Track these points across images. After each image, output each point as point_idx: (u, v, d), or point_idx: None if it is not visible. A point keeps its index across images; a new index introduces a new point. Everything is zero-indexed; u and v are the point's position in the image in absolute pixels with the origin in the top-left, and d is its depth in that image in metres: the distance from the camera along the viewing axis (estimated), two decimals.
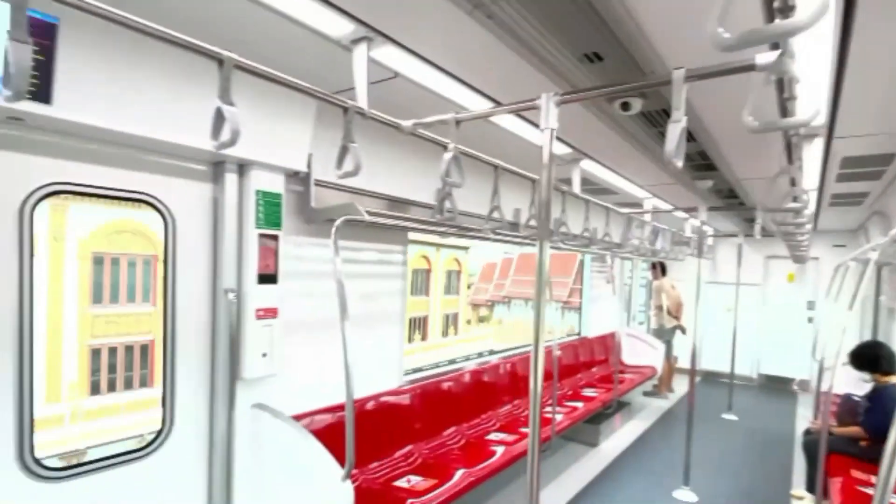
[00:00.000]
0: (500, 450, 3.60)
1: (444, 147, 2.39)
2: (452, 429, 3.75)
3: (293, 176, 2.49)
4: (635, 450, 5.12)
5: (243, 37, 1.89)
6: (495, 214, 2.85)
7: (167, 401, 2.20)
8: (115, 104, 1.74)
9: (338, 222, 2.27)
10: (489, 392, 4.31)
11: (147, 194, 2.05)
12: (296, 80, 1.77)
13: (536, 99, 1.65)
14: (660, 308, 7.25)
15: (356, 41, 1.94)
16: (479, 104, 2.50)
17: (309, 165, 2.47)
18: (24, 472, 1.78)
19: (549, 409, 4.14)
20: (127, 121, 1.79)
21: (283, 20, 1.76)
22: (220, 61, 1.54)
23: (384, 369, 3.29)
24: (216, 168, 2.27)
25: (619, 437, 5.47)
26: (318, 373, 2.80)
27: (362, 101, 2.01)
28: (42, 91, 1.57)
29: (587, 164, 3.79)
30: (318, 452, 2.21)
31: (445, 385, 3.79)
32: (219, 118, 1.57)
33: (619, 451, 5.04)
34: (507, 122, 2.92)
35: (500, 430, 4.04)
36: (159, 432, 2.19)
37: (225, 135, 1.57)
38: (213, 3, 1.70)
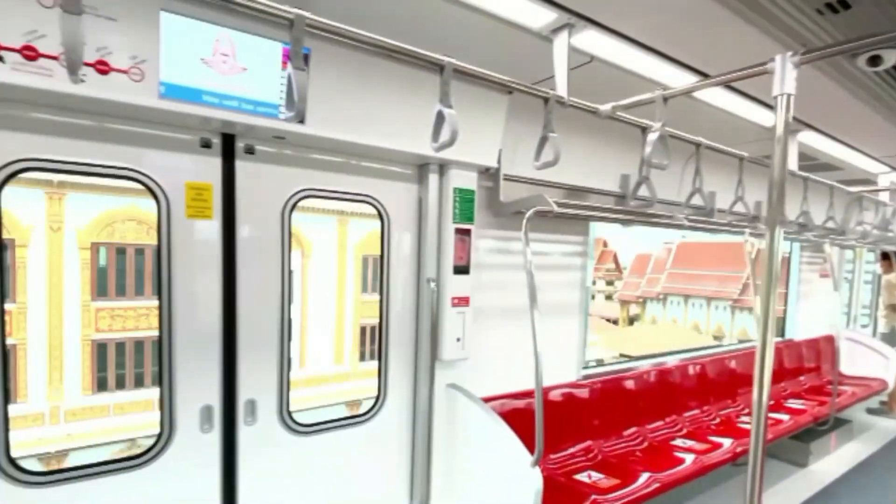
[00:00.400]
0: (688, 458, 3.30)
1: (643, 129, 2.25)
2: (633, 429, 3.55)
3: (484, 172, 2.60)
4: (855, 477, 4.21)
5: (441, 39, 2.00)
6: (696, 199, 2.58)
7: (382, 375, 2.51)
8: (346, 118, 2.01)
9: (529, 213, 2.30)
10: (674, 394, 3.97)
11: (370, 196, 2.35)
12: (501, 77, 1.84)
13: (766, 63, 1.44)
14: (894, 308, 5.81)
15: (557, 29, 1.92)
16: (680, 79, 2.28)
17: (499, 161, 2.54)
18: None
19: (744, 418, 3.65)
20: (354, 132, 2.06)
21: (480, 18, 1.82)
22: (442, 67, 1.67)
23: (563, 361, 3.26)
24: (421, 170, 2.48)
25: (834, 459, 4.56)
26: (502, 359, 2.90)
27: (562, 89, 1.98)
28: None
29: (807, 136, 3.19)
30: (508, 436, 2.29)
31: (626, 383, 3.60)
32: (439, 120, 1.71)
33: (834, 476, 4.21)
34: (710, 95, 2.61)
35: (686, 436, 3.70)
36: (376, 400, 2.51)
37: (444, 136, 1.70)
38: (410, 8, 1.82)
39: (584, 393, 3.35)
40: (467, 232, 2.53)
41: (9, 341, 1.80)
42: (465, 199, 2.49)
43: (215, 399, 2.01)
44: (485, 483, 2.45)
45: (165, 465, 1.91)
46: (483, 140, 2.43)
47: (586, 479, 2.94)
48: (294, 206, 2.15)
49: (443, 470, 2.66)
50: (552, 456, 3.12)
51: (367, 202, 2.36)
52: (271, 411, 2.16)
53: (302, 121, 1.91)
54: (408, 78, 2.06)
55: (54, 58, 1.45)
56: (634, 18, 1.87)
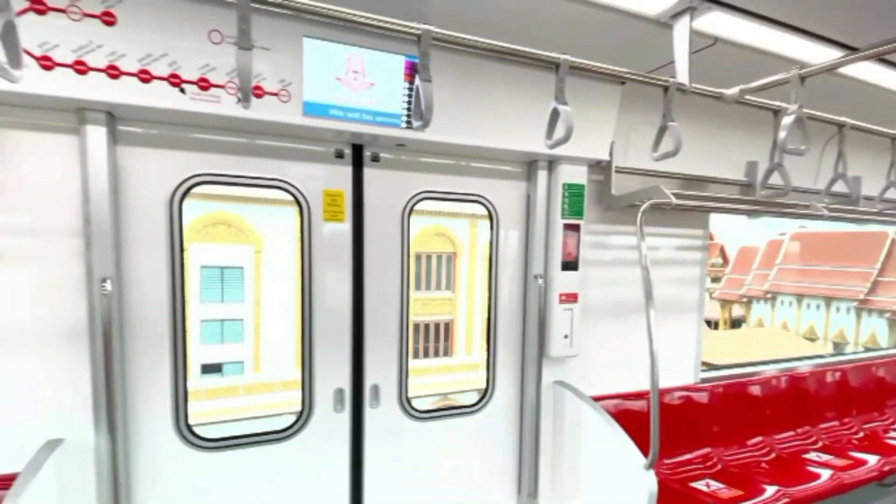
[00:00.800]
0: (824, 473, 2.97)
1: (774, 112, 2.04)
2: (759, 438, 3.27)
3: (594, 166, 2.54)
4: None
5: (551, 34, 1.98)
6: (838, 186, 2.29)
7: (490, 369, 2.58)
8: (460, 121, 2.09)
9: (644, 207, 2.19)
10: (808, 403, 3.58)
11: (479, 195, 2.42)
12: (618, 69, 1.78)
13: None
14: None
15: (677, 14, 1.81)
16: (819, 55, 2.03)
17: (611, 153, 2.47)
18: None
19: (894, 433, 3.19)
20: (468, 134, 2.12)
21: (592, 10, 1.76)
22: (557, 65, 1.67)
23: (678, 362, 3.09)
24: (530, 167, 2.50)
25: None
26: (613, 358, 2.82)
27: (683, 76, 1.87)
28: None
29: None
30: (620, 436, 2.24)
31: (751, 388, 3.32)
32: (553, 117, 1.71)
33: None
34: (855, 69, 2.29)
35: (822, 450, 3.32)
36: (484, 393, 2.59)
37: (559, 132, 1.69)
38: (521, 7, 1.81)
39: (702, 397, 3.15)
40: (576, 227, 2.49)
41: None
42: (574, 195, 2.46)
43: (346, 383, 2.23)
44: (594, 482, 2.43)
45: (305, 438, 2.17)
46: (595, 133, 2.37)
47: (704, 488, 2.78)
48: (412, 208, 2.29)
49: (550, 465, 2.67)
50: (665, 461, 2.98)
51: (478, 202, 2.43)
52: (392, 396, 2.34)
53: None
54: (517, 76, 2.07)
55: (221, 86, 1.70)
56: None
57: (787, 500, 2.62)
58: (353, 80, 1.84)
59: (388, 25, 1.43)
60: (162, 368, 1.92)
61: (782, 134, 1.82)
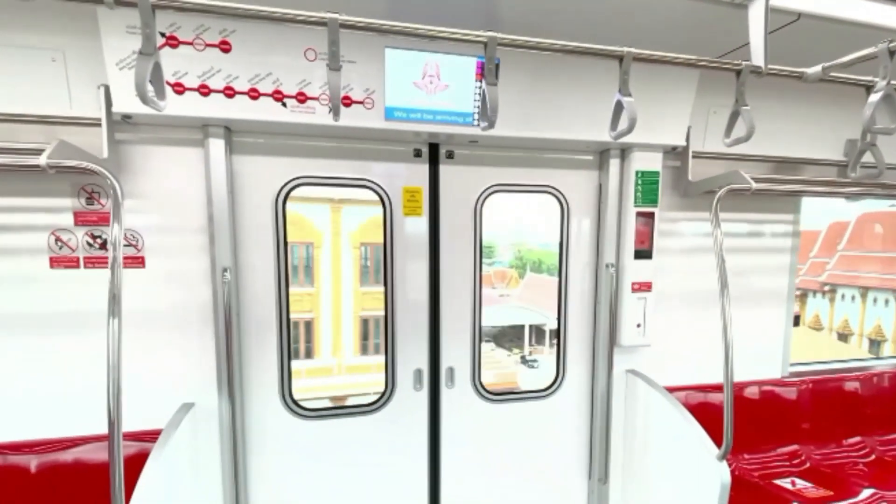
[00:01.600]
0: None
1: (867, 87, 1.88)
2: (857, 438, 3.04)
3: (669, 152, 2.48)
4: None
5: (624, 23, 1.96)
6: None
7: (560, 355, 2.65)
8: (531, 115, 2.15)
9: (720, 193, 2.13)
10: None
11: (550, 186, 2.48)
12: (685, 57, 1.74)
13: None
14: None
15: None
16: None
17: (687, 139, 2.40)
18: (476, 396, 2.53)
19: None
20: (539, 128, 2.18)
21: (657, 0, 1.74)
22: (620, 58, 1.68)
23: (763, 354, 2.95)
24: (601, 156, 2.50)
25: None
26: (689, 349, 2.77)
27: (758, 58, 1.78)
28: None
29: None
30: (692, 426, 2.22)
31: (848, 385, 3.09)
32: (617, 109, 1.72)
33: None
34: None
35: None
36: (555, 378, 2.67)
37: (623, 124, 1.71)
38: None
39: (790, 392, 2.99)
40: (650, 215, 2.47)
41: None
42: (648, 182, 2.43)
43: (424, 364, 2.42)
44: (665, 471, 2.43)
45: (389, 413, 2.40)
46: (669, 118, 2.32)
47: (788, 486, 2.67)
48: (484, 200, 2.40)
49: (622, 452, 2.71)
50: (746, 455, 2.89)
51: (548, 192, 2.49)
52: (466, 378, 2.50)
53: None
54: (587, 67, 2.08)
55: (316, 98, 1.91)
56: None
57: (885, 503, 2.46)
58: (430, 83, 1.98)
59: (457, 37, 1.53)
60: (270, 347, 2.22)
61: (868, 113, 1.69)
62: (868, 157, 1.97)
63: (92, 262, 1.97)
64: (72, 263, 1.95)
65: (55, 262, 1.94)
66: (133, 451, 1.97)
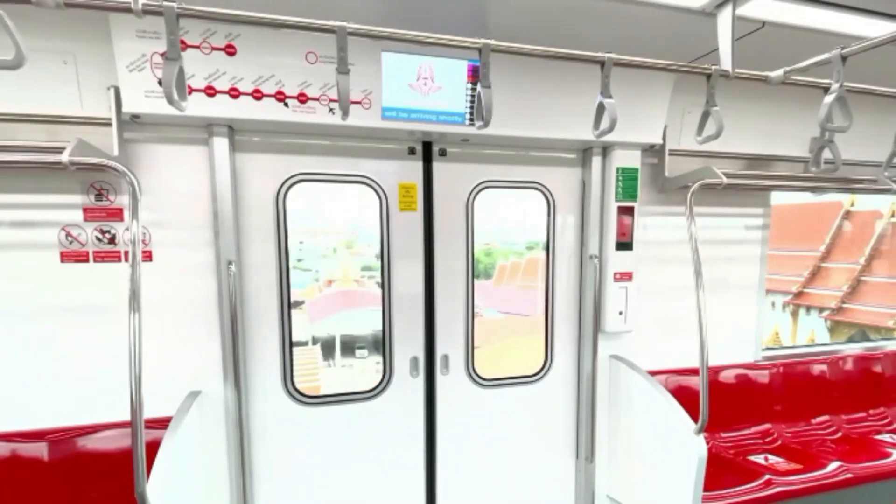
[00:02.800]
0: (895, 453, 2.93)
1: (825, 89, 2.06)
2: (825, 417, 3.25)
3: (648, 150, 2.64)
4: None
5: (603, 30, 2.11)
6: None
7: (548, 341, 2.80)
8: (519, 115, 2.28)
9: (693, 188, 2.31)
10: (881, 384, 3.47)
11: (537, 182, 2.62)
12: (661, 62, 1.90)
13: None
14: None
15: (721, 4, 1.89)
16: (878, 30, 2.01)
17: (664, 137, 2.57)
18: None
19: None
20: (526, 127, 2.32)
21: (638, 8, 1.88)
22: (602, 63, 1.82)
23: (737, 340, 3.14)
24: (584, 154, 2.66)
25: None
26: (669, 335, 2.94)
27: (726, 63, 1.94)
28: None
29: None
30: (671, 405, 2.38)
31: (816, 368, 3.29)
32: (599, 110, 1.87)
33: None
34: None
35: None
36: (543, 364, 2.82)
37: (604, 124, 1.86)
38: (573, 10, 1.96)
39: (762, 375, 3.18)
40: (630, 209, 2.62)
41: None
42: (628, 178, 2.59)
43: (420, 352, 2.55)
44: (648, 448, 2.59)
45: (387, 399, 2.52)
46: (647, 118, 2.48)
47: (762, 461, 2.85)
48: (476, 196, 2.53)
49: (607, 432, 2.87)
50: (723, 434, 3.07)
51: (535, 188, 2.63)
52: (460, 365, 2.63)
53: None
54: (571, 69, 2.21)
55: (316, 99, 2.02)
56: None
57: (849, 475, 2.65)
58: (424, 85, 2.10)
59: (455, 44, 1.66)
60: (272, 336, 2.32)
61: (823, 112, 1.86)
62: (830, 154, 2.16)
63: (101, 257, 2.05)
64: (81, 258, 2.04)
65: (66, 257, 2.02)
66: (146, 437, 2.06)
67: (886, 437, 3.15)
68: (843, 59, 1.77)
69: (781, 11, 1.94)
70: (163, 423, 1.93)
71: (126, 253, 2.06)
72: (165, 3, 1.23)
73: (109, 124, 1.90)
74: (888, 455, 2.88)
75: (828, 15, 1.97)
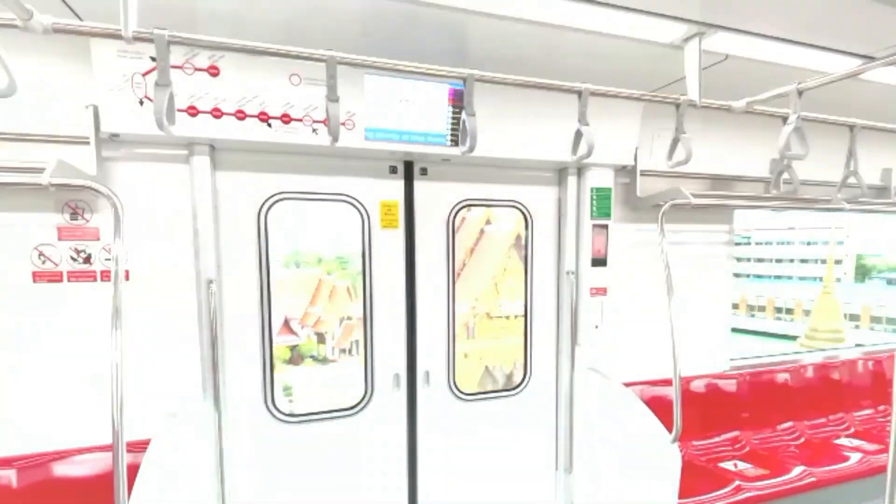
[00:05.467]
0: (854, 456, 3.10)
1: (784, 119, 2.22)
2: (789, 424, 3.41)
3: (620, 170, 2.76)
4: None
5: (578, 60, 2.22)
6: (852, 180, 2.44)
7: (527, 354, 2.86)
8: (499, 137, 2.36)
9: (665, 207, 2.42)
10: (840, 391, 3.67)
11: (516, 201, 2.70)
12: (633, 92, 2.01)
13: None
14: None
15: (688, 38, 2.02)
16: (833, 64, 2.18)
17: (635, 158, 2.68)
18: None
19: None
20: (506, 148, 2.40)
21: (611, 40, 2.00)
22: (579, 93, 1.92)
23: (707, 352, 3.27)
24: (560, 174, 2.75)
25: None
26: (643, 348, 3.04)
27: (693, 92, 2.07)
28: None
29: None
30: (647, 415, 2.46)
31: (780, 377, 3.45)
32: (577, 136, 1.96)
33: None
34: (877, 74, 2.40)
35: (855, 436, 3.42)
36: (523, 377, 2.87)
37: (582, 149, 1.95)
38: (548, 42, 2.06)
39: (730, 384, 3.32)
40: (605, 227, 2.72)
41: None
42: (602, 197, 2.69)
43: (402, 368, 2.56)
44: (625, 458, 2.66)
45: (369, 414, 2.52)
46: (620, 141, 2.59)
47: (732, 468, 2.96)
48: (457, 213, 2.59)
49: (585, 443, 2.93)
50: (695, 443, 3.18)
51: (514, 206, 2.70)
52: (442, 380, 2.66)
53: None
54: (548, 95, 2.31)
55: (300, 120, 2.04)
56: (770, 18, 1.88)
57: (812, 479, 2.78)
58: (405, 107, 2.15)
59: (442, 73, 1.72)
60: (254, 353, 2.30)
61: (781, 141, 2.00)
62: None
63: (76, 277, 2.01)
64: (55, 278, 1.99)
65: (38, 277, 1.97)
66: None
67: (845, 442, 3.32)
68: (800, 93, 1.91)
69: (743, 45, 2.08)
70: (141, 447, 1.89)
71: (103, 273, 2.03)
72: (157, 31, 1.25)
73: (87, 143, 1.87)
74: (847, 459, 3.04)
75: (784, 48, 2.11)
